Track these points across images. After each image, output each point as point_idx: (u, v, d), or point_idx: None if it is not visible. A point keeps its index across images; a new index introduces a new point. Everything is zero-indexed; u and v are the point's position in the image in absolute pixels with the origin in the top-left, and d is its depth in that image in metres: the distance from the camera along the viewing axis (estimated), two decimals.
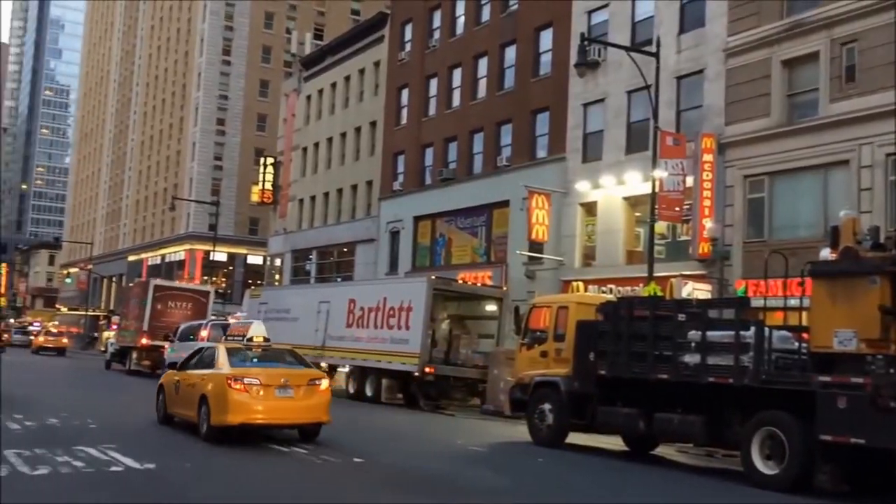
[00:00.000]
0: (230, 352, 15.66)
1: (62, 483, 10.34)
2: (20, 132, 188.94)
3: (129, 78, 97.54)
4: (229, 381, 14.37)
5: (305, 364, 16.23)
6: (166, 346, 31.61)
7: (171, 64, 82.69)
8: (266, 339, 16.31)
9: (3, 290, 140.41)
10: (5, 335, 61.59)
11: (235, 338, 16.99)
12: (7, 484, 10.07)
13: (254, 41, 74.60)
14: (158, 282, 41.59)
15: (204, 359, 16.18)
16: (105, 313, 78.30)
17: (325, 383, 15.35)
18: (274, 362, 15.79)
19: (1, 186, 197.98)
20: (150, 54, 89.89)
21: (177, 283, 45.38)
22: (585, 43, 24.37)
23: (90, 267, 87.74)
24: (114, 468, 11.38)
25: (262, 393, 14.42)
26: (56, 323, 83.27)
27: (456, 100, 39.12)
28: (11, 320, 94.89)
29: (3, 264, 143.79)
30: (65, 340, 59.62)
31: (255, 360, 15.64)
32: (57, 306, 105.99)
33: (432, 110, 40.77)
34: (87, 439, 13.63)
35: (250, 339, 16.10)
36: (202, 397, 14.92)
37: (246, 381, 14.40)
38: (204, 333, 28.03)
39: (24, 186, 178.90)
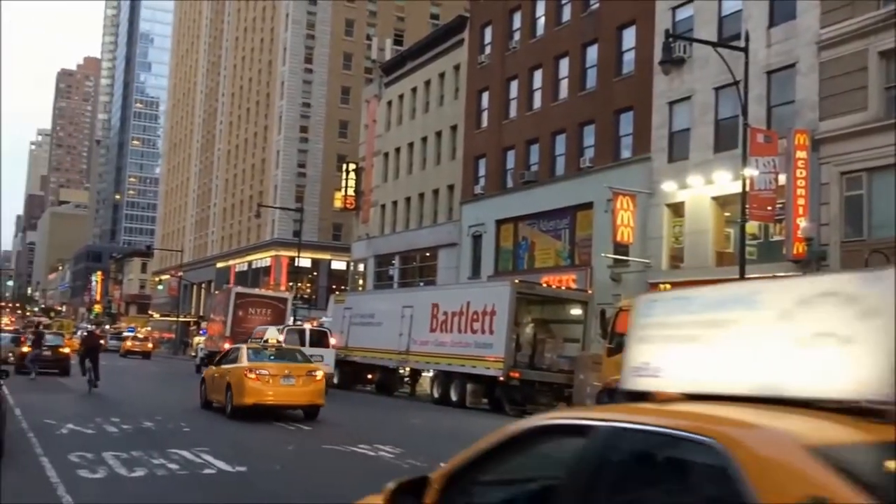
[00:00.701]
0: (251, 350, 20.24)
1: (158, 485, 10.50)
2: (113, 144, 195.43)
3: (215, 89, 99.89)
4: (246, 373, 18.55)
5: (308, 360, 20.59)
6: None
7: (255, 74, 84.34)
8: (279, 341, 21.79)
9: (99, 298, 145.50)
10: (102, 341, 64.31)
11: (257, 340, 22.97)
12: (106, 485, 10.35)
13: (335, 49, 75.57)
14: (239, 289, 43.11)
15: (231, 356, 20.38)
16: (195, 319, 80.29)
17: (319, 374, 19.27)
18: (283, 359, 19.93)
19: (96, 197, 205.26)
20: (235, 65, 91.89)
21: (256, 291, 46.42)
22: (670, 40, 23.79)
23: (180, 274, 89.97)
24: (207, 471, 11.53)
25: (270, 381, 18.55)
26: (149, 328, 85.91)
27: (537, 101, 38.83)
28: (107, 326, 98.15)
29: (99, 272, 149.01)
30: (149, 345, 62.41)
31: (270, 357, 19.89)
32: (150, 312, 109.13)
33: (513, 112, 40.57)
34: (181, 442, 13.86)
35: (266, 341, 21.28)
36: (227, 385, 19.09)
37: (258, 372, 18.61)
38: (281, 338, 28.74)
39: (117, 196, 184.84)
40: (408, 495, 3.79)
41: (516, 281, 26.71)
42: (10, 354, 36.48)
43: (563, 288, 29.97)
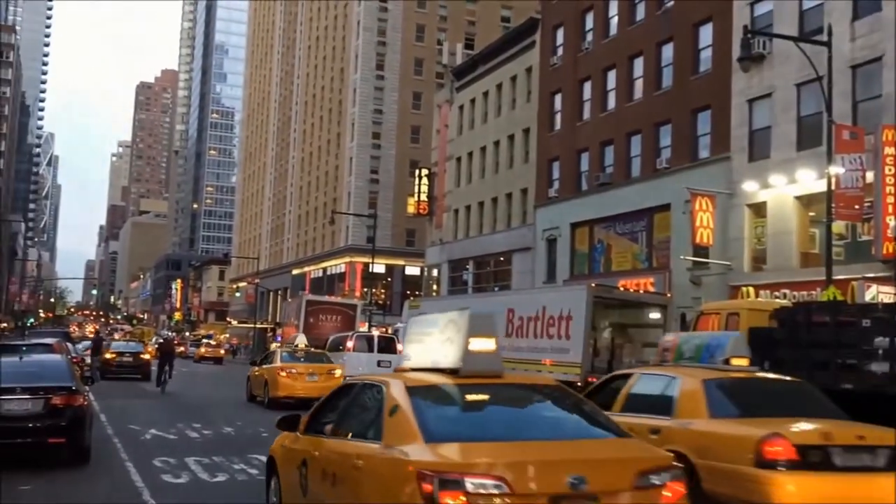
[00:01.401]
0: (285, 353, 25.17)
1: (239, 490, 10.55)
2: (190, 154, 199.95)
3: (288, 98, 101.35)
4: (279, 371, 23.30)
5: (330, 362, 24.99)
6: None
7: (328, 82, 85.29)
8: (307, 345, 26.67)
9: (179, 305, 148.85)
10: (181, 348, 66.90)
11: (290, 344, 28.80)
12: (189, 490, 10.53)
13: (406, 55, 75.92)
14: (310, 297, 44.34)
15: (269, 358, 25.59)
16: (272, 326, 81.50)
17: (338, 373, 23.47)
18: (309, 360, 24.61)
19: (175, 206, 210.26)
20: (308, 73, 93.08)
21: (326, 298, 47.26)
22: (749, 36, 23.16)
23: (257, 281, 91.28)
24: None
25: (298, 378, 23.13)
26: (228, 335, 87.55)
27: (611, 102, 38.33)
28: (187, 333, 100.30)
29: (179, 280, 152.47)
30: (221, 351, 64.70)
31: (301, 358, 24.64)
32: (228, 319, 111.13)
33: (587, 114, 40.11)
34: (261, 447, 13.90)
35: (296, 346, 26.18)
36: (265, 381, 23.78)
37: (289, 370, 23.29)
38: (350, 344, 29.99)
39: (195, 206, 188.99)
40: (289, 424, 7.66)
41: (593, 285, 26.24)
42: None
43: (642, 291, 29.34)
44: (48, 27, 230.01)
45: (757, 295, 26.62)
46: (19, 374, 12.37)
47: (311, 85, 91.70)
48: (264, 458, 12.52)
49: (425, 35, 76.18)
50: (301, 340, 26.89)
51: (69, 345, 29.50)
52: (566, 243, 40.54)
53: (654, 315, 25.72)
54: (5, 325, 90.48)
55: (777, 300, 22.64)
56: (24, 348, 19.37)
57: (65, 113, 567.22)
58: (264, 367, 24.81)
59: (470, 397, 6.34)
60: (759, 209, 28.99)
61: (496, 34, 62.50)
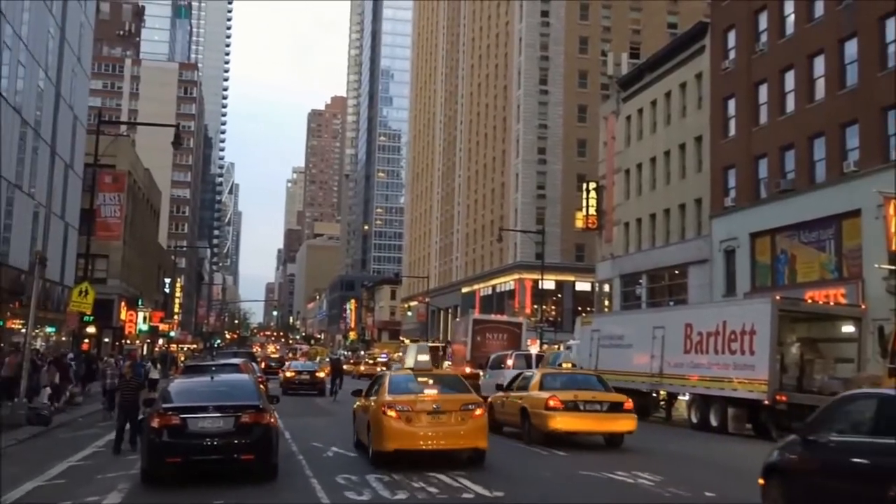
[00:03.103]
0: (397, 366, 31.60)
1: None
2: (360, 177, 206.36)
3: (453, 117, 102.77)
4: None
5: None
6: (481, 373, 33.71)
7: (492, 99, 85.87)
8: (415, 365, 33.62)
9: (353, 325, 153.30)
10: (360, 367, 69.59)
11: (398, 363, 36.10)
12: None
13: (569, 67, 75.38)
14: (477, 316, 46.23)
15: (380, 375, 32.63)
16: (443, 344, 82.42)
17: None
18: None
19: (347, 228, 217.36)
20: (471, 92, 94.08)
21: (493, 317, 48.15)
22: None
23: (427, 300, 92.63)
24: (465, 495, 11.50)
25: None
26: (400, 354, 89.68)
27: (790, 104, 36.43)
28: (362, 353, 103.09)
29: (352, 300, 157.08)
30: (378, 369, 67.44)
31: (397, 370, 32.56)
32: (401, 338, 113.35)
33: (763, 118, 38.32)
34: (438, 466, 13.83)
35: (402, 364, 32.98)
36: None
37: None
38: (510, 362, 31.18)
39: (365, 227, 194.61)
40: (357, 393, 17.51)
41: (777, 297, 24.86)
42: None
43: (832, 304, 27.60)
44: (226, 63, 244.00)
45: None
46: (211, 393, 12.87)
47: (474, 104, 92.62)
48: (443, 477, 12.74)
49: (588, 47, 75.37)
50: (409, 362, 35.83)
51: (254, 364, 30.84)
52: (746, 254, 38.79)
53: (848, 328, 24.10)
54: (195, 346, 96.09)
55: None
56: (214, 368, 20.22)
57: (243, 143, 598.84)
58: (377, 372, 31.91)
59: (411, 378, 15.14)
60: None
61: (663, 41, 60.99)
